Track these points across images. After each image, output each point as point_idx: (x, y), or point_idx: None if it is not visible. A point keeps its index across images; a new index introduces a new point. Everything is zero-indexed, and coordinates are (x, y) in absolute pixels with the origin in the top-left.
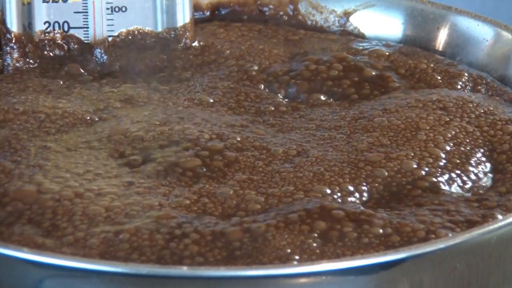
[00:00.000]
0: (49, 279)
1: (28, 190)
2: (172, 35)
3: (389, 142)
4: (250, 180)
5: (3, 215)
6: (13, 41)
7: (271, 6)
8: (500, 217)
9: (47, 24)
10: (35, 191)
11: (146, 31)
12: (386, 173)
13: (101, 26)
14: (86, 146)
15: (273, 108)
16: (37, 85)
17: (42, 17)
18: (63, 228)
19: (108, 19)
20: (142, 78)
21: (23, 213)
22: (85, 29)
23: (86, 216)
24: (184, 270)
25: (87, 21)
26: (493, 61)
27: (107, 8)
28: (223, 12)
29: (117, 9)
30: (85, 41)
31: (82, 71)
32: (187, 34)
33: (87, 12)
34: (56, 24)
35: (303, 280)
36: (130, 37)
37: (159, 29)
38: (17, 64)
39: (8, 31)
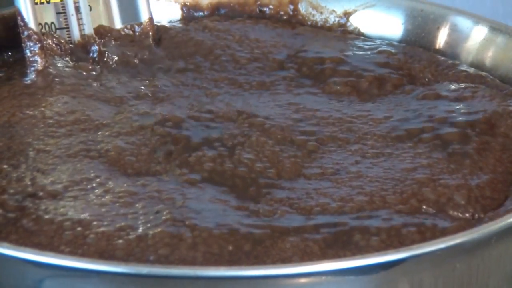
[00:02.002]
0: (49, 279)
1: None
2: (136, 32)
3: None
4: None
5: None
6: (38, 41)
7: (271, 6)
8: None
9: (40, 26)
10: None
11: (107, 29)
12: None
13: (82, 25)
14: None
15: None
16: (68, 85)
17: (36, 19)
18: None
19: (84, 18)
20: (139, 72)
21: (21, 212)
22: (67, 30)
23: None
24: (184, 270)
25: (67, 22)
26: (493, 61)
27: (77, 7)
28: (223, 12)
29: (90, 8)
30: (70, 41)
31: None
32: (149, 30)
33: (66, 12)
34: (47, 26)
35: (303, 280)
36: (104, 35)
37: (119, 26)
38: (40, 66)
39: (34, 32)
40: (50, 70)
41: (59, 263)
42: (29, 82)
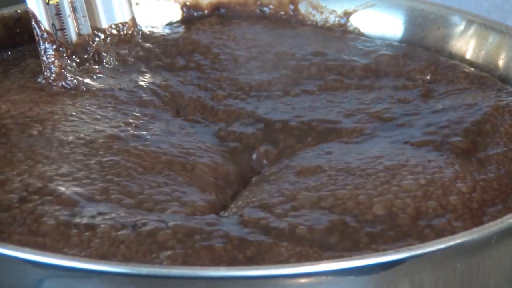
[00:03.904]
0: (49, 279)
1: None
2: (121, 31)
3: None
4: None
5: (4, 213)
6: (53, 42)
7: (271, 6)
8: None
9: (53, 27)
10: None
11: (94, 28)
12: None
13: (80, 25)
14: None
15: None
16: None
17: (49, 19)
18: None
19: (82, 18)
20: (135, 70)
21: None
22: (64, 31)
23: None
24: (184, 270)
25: (63, 23)
26: (494, 61)
27: (75, 7)
28: (223, 11)
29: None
30: (68, 42)
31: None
32: (133, 30)
33: (63, 13)
34: (53, 26)
35: (303, 280)
36: (100, 34)
37: (104, 25)
38: (56, 67)
39: (49, 32)
40: (67, 73)
41: (59, 263)
42: (47, 86)
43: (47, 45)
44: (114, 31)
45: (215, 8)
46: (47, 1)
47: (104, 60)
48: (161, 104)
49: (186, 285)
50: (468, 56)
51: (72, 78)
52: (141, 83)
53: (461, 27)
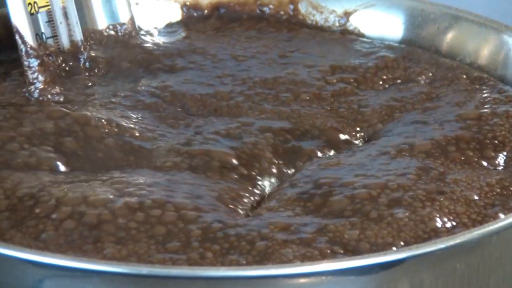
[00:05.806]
0: (49, 279)
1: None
2: (119, 32)
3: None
4: None
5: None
6: (37, 56)
7: (271, 6)
8: (501, 216)
9: (37, 37)
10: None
11: (91, 30)
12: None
13: (71, 31)
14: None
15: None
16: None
17: (33, 31)
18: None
19: (73, 24)
20: (133, 75)
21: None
22: (55, 38)
23: None
24: (184, 270)
25: (55, 30)
26: (494, 61)
27: (65, 13)
28: (223, 11)
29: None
30: (60, 50)
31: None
32: (132, 30)
33: (54, 20)
34: (38, 37)
35: (303, 280)
36: (89, 38)
37: (102, 26)
38: (41, 82)
39: (32, 47)
40: (54, 86)
41: (59, 263)
42: (34, 102)
43: (31, 60)
44: (112, 32)
45: (215, 8)
46: (34, 11)
47: (99, 66)
48: (164, 104)
49: (186, 285)
50: (468, 56)
51: (59, 91)
52: (140, 87)
53: (461, 27)
